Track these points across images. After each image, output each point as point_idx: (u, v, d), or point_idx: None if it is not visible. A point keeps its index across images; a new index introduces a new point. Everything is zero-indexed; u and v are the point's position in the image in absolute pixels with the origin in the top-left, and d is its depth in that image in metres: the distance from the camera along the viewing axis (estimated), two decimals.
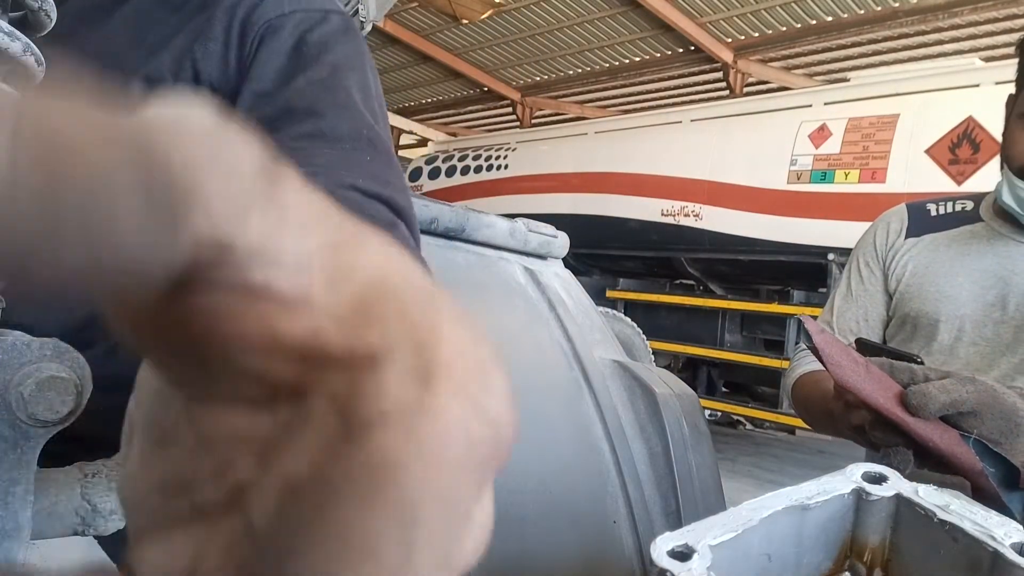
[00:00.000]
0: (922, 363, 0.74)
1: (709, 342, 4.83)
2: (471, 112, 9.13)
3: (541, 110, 8.24)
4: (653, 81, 7.10)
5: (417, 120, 9.50)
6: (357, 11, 1.48)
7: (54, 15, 0.36)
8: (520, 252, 1.02)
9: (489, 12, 6.18)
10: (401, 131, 9.49)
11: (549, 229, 1.03)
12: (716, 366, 5.18)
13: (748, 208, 4.48)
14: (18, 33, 0.32)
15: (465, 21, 6.41)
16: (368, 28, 1.47)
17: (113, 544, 0.52)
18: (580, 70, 7.32)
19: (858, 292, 1.11)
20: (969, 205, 1.08)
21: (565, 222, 5.15)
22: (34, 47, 0.34)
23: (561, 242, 1.05)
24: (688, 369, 5.22)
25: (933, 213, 1.09)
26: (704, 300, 4.92)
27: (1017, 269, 0.97)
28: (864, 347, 0.84)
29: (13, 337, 0.32)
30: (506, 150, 6.17)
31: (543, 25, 6.43)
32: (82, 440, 0.44)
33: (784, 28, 5.82)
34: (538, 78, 7.75)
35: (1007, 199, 0.96)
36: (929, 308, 1.01)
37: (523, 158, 6.00)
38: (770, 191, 4.38)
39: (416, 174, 6.68)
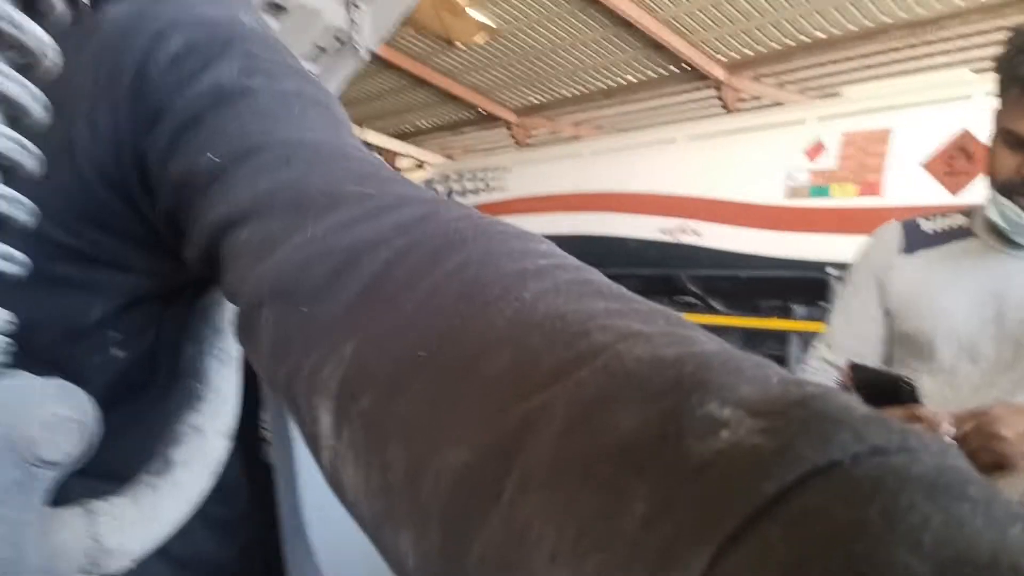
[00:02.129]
0: (913, 386, 0.74)
1: None
2: (468, 134, 9.18)
3: (537, 131, 8.29)
4: (647, 99, 7.15)
5: (414, 143, 9.55)
6: (352, 38, 1.50)
7: (66, 8, 0.35)
8: None
9: (483, 36, 6.24)
10: (398, 155, 9.54)
11: None
12: None
13: (747, 224, 4.50)
14: (35, 26, 0.32)
15: (459, 45, 6.47)
16: (364, 55, 1.49)
17: None
18: (575, 91, 7.38)
19: (856, 311, 1.11)
20: (962, 220, 1.08)
21: (564, 242, 5.13)
22: (50, 40, 0.33)
23: None
24: None
25: (926, 229, 1.10)
26: (705, 317, 4.92)
27: (1012, 284, 0.97)
28: (857, 370, 0.84)
29: (20, 378, 0.33)
30: (503, 171, 6.20)
31: (537, 48, 6.49)
32: (85, 473, 0.42)
33: (776, 45, 5.87)
34: (533, 100, 7.81)
35: (993, 215, 0.96)
36: (926, 326, 1.01)
37: (521, 179, 6.03)
38: (768, 207, 4.40)
39: None
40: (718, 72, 6.27)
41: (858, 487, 0.12)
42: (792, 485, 0.12)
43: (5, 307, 0.44)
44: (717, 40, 5.93)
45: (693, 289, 5.05)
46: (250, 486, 0.63)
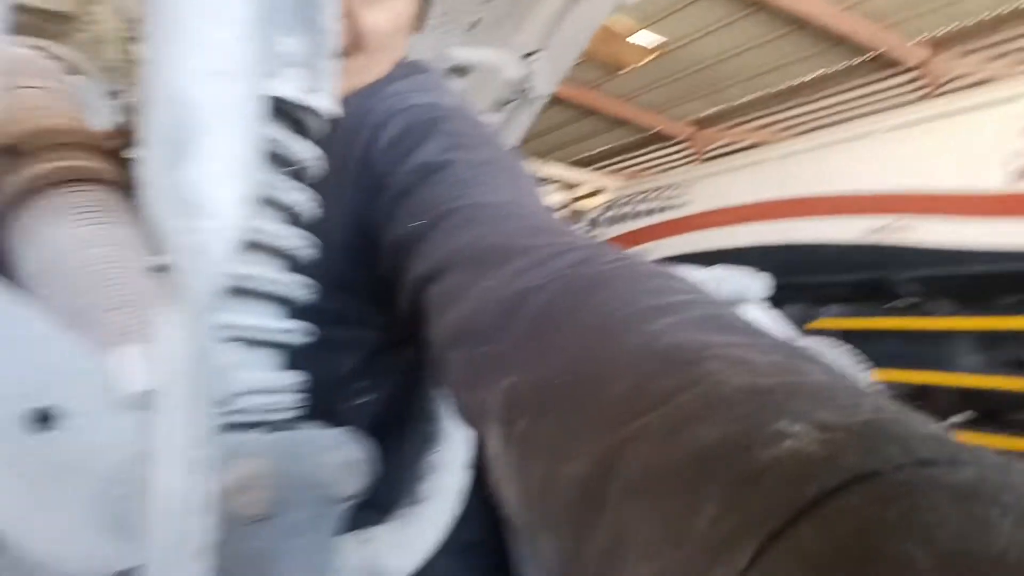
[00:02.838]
0: None
1: (941, 366, 4.33)
2: (644, 154, 9.14)
3: (715, 143, 8.05)
4: (834, 95, 6.69)
5: (590, 170, 9.67)
6: (527, 89, 1.57)
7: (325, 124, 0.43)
8: None
9: (651, 56, 6.22)
10: (575, 183, 9.70)
11: (745, 274, 1.02)
12: (951, 393, 4.61)
13: (965, 215, 4.03)
14: (306, 143, 0.39)
15: (628, 67, 6.50)
16: (539, 103, 1.56)
17: None
18: (752, 97, 7.09)
19: None
20: None
21: (756, 254, 4.94)
22: (316, 151, 0.40)
23: (758, 285, 1.04)
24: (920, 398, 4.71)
25: None
26: (927, 322, 4.45)
27: None
28: None
29: (311, 429, 0.40)
30: (683, 188, 6.07)
31: (707, 59, 6.34)
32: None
33: (985, 15, 5.26)
34: (709, 111, 7.61)
35: None
36: None
37: (703, 193, 5.87)
38: (988, 194, 3.92)
39: (595, 223, 6.76)
40: (917, 54, 5.72)
41: (889, 491, 0.13)
42: (833, 489, 0.14)
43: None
44: (913, 20, 5.43)
45: (909, 291, 4.58)
46: (487, 512, 0.69)
